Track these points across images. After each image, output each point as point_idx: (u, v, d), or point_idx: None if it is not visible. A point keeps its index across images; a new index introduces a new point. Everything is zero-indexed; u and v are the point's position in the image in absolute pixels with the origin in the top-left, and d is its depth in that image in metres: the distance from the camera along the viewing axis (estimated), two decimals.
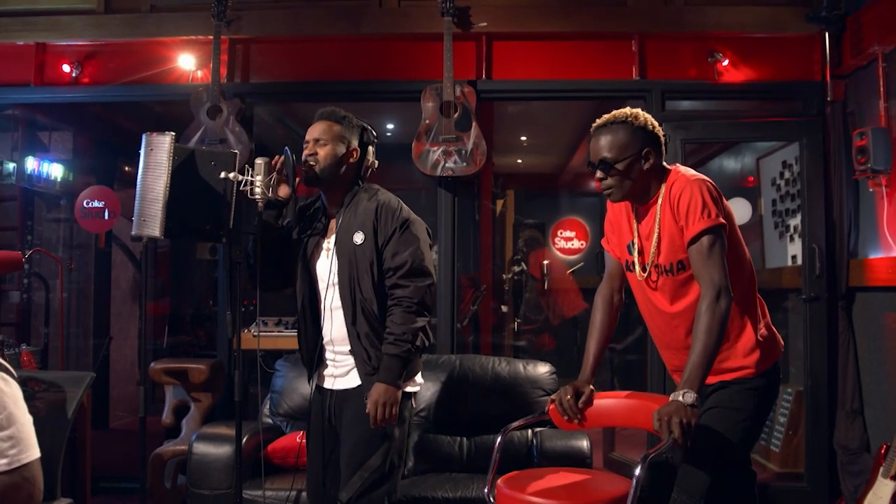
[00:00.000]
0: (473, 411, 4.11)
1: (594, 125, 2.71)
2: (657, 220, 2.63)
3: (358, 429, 2.86)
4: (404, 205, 3.02)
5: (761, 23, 4.87)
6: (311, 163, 2.95)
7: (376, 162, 3.10)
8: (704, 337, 2.41)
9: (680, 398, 2.36)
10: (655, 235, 2.62)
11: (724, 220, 2.53)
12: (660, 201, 2.63)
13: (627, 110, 2.67)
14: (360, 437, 2.86)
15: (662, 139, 2.70)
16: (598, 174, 2.66)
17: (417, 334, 2.85)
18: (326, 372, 3.04)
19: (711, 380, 2.61)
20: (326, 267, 2.99)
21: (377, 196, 2.99)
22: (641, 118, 2.65)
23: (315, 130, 2.99)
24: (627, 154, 2.61)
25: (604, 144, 2.64)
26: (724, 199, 2.61)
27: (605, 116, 2.69)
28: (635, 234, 2.72)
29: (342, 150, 2.97)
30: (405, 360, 2.82)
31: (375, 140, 3.10)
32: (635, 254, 2.71)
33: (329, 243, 3.01)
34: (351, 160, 3.00)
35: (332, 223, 3.04)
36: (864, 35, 4.51)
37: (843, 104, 4.76)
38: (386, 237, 2.90)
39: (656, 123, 2.69)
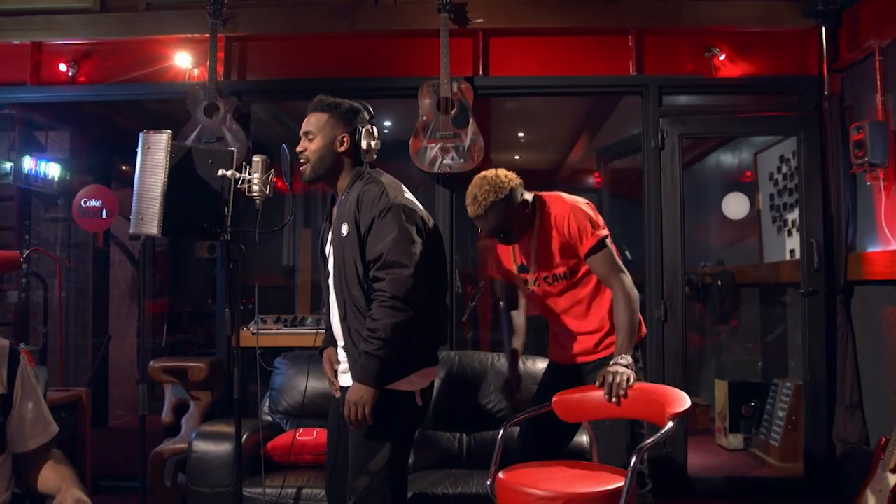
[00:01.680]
0: (473, 407, 4.11)
1: (475, 211, 3.01)
2: (543, 240, 3.10)
3: (360, 430, 2.77)
4: (394, 188, 2.83)
5: (758, 17, 4.88)
6: (302, 161, 2.87)
7: (377, 143, 2.94)
8: (627, 321, 2.95)
9: (622, 361, 2.88)
10: (536, 253, 3.12)
11: (607, 231, 3.07)
12: (538, 226, 3.10)
13: (487, 185, 3.01)
14: (362, 438, 2.78)
15: (519, 184, 3.09)
16: (502, 237, 3.10)
17: (398, 331, 2.64)
18: (339, 368, 2.97)
19: (596, 356, 3.16)
20: (330, 261, 2.92)
21: (366, 182, 2.82)
22: (505, 188, 3.02)
23: (305, 124, 2.88)
24: (513, 218, 3.04)
25: (493, 220, 3.01)
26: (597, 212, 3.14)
27: (478, 200, 3.00)
28: (517, 259, 3.22)
29: (330, 140, 2.85)
30: (381, 360, 2.64)
31: (372, 120, 2.96)
32: (531, 273, 3.17)
33: (330, 235, 2.93)
34: (341, 148, 2.86)
35: (333, 213, 2.96)
36: (861, 29, 4.51)
37: (840, 98, 4.76)
38: (367, 227, 2.72)
39: (506, 181, 3.04)
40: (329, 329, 3.02)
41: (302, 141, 2.88)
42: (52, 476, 2.35)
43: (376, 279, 2.69)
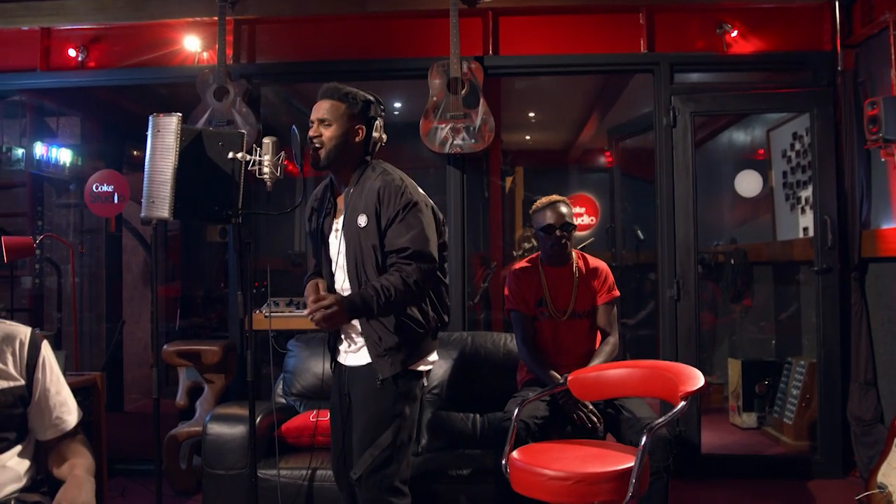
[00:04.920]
0: (486, 388, 4.11)
1: (547, 202, 3.74)
2: (575, 281, 3.74)
3: (368, 407, 2.85)
4: (411, 184, 2.92)
5: None
6: (317, 145, 2.88)
7: (385, 136, 3.01)
8: (607, 355, 3.68)
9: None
10: (574, 292, 3.74)
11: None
12: (575, 269, 3.77)
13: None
14: (371, 415, 2.85)
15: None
16: (558, 233, 3.67)
17: (399, 306, 2.79)
18: (341, 347, 3.04)
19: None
20: (336, 248, 2.96)
21: (383, 175, 2.88)
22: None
23: (319, 109, 2.90)
24: (573, 225, 3.73)
25: (565, 212, 3.69)
26: None
27: (552, 198, 3.75)
28: (545, 290, 3.75)
29: (347, 129, 2.89)
30: (366, 304, 2.71)
31: (383, 113, 3.02)
32: (548, 304, 3.73)
33: (338, 224, 2.97)
34: (357, 139, 2.92)
35: (340, 203, 2.99)
36: (875, 3, 4.47)
37: (853, 74, 4.71)
38: (389, 220, 2.81)
39: None
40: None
41: (315, 126, 2.90)
42: (65, 464, 2.38)
43: (400, 264, 2.79)
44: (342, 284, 2.95)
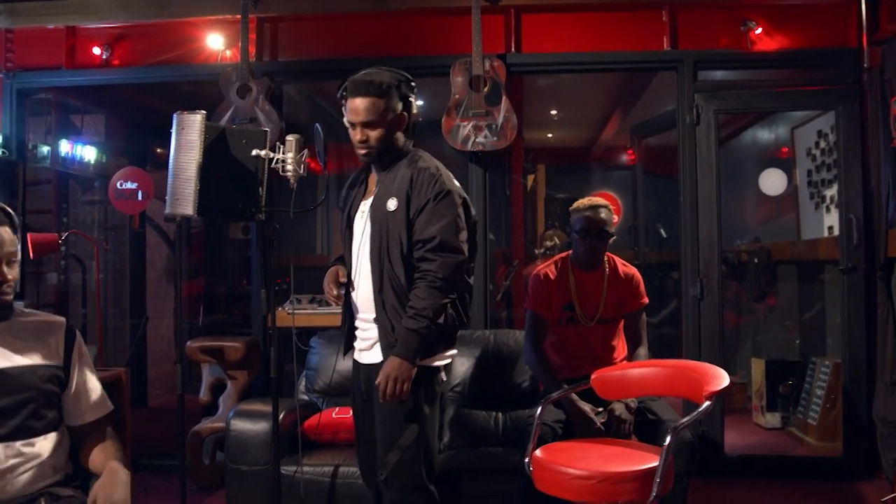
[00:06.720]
0: (508, 386, 4.11)
1: (588, 204, 3.58)
2: (613, 288, 3.62)
3: (388, 407, 2.77)
4: (447, 174, 2.86)
5: None
6: (364, 151, 2.83)
7: (419, 113, 2.95)
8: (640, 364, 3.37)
9: (632, 404, 3.35)
10: (604, 297, 3.60)
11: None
12: (606, 274, 3.62)
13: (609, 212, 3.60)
14: (391, 415, 2.79)
15: None
16: (594, 239, 3.53)
17: (440, 311, 2.72)
18: (356, 344, 3.01)
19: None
20: (360, 229, 2.91)
21: (419, 162, 2.84)
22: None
23: (358, 111, 2.79)
24: (611, 234, 3.56)
25: (605, 218, 3.53)
26: None
27: (594, 201, 3.61)
28: (574, 294, 3.60)
29: (391, 123, 2.82)
30: (424, 337, 2.69)
31: (414, 87, 2.91)
32: (577, 309, 3.59)
33: (365, 205, 2.91)
34: (401, 127, 2.87)
35: (372, 184, 2.95)
36: None
37: (880, 71, 4.64)
38: (419, 207, 2.75)
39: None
40: (347, 293, 3.00)
41: (359, 131, 2.82)
42: (99, 455, 2.40)
43: (425, 259, 2.74)
44: (360, 266, 2.90)
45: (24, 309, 2.48)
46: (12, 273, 2.29)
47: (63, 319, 2.48)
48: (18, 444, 2.26)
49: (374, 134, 2.81)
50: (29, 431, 2.29)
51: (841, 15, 4.80)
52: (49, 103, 5.94)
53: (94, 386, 2.49)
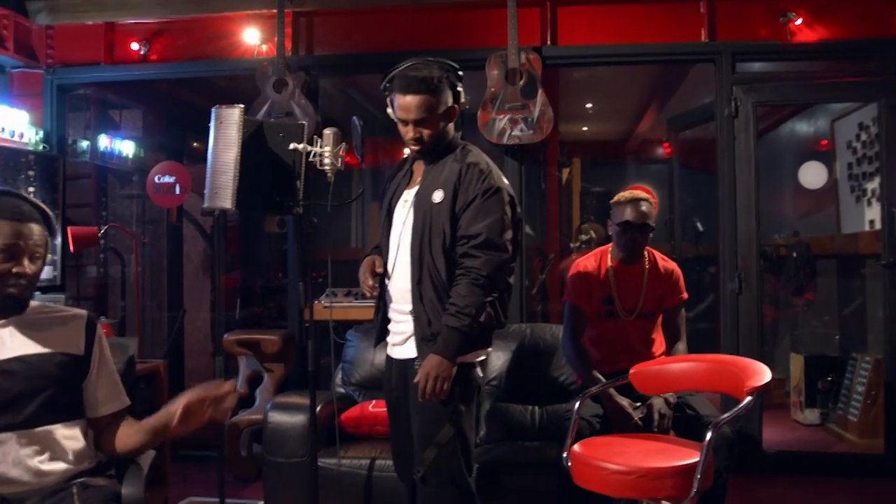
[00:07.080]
0: (545, 380, 4.09)
1: (630, 197, 3.52)
2: (653, 282, 3.57)
3: (425, 404, 2.72)
4: (496, 171, 2.82)
5: None
6: (419, 147, 2.80)
7: (468, 101, 2.91)
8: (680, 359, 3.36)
9: (671, 398, 3.31)
10: (643, 291, 3.55)
11: None
12: (646, 268, 3.57)
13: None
14: (428, 412, 2.74)
15: None
16: (638, 234, 3.48)
17: (482, 309, 2.65)
18: (389, 338, 2.97)
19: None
20: (401, 219, 2.87)
21: (468, 156, 2.80)
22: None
23: (411, 108, 2.74)
24: (652, 227, 3.52)
25: (646, 211, 3.47)
26: None
27: (636, 194, 3.54)
28: (613, 288, 3.56)
29: (443, 118, 2.79)
30: (465, 335, 2.64)
31: (461, 76, 2.87)
32: (616, 303, 3.54)
33: (409, 194, 2.87)
34: (452, 120, 2.85)
35: (417, 173, 2.93)
36: None
37: None
38: (466, 202, 2.71)
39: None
40: (382, 282, 2.95)
41: (411, 128, 2.78)
42: (129, 432, 2.43)
43: (469, 255, 2.69)
44: (398, 256, 2.85)
45: (45, 304, 2.45)
46: (32, 268, 2.26)
47: (84, 312, 2.47)
48: (37, 431, 2.24)
49: (427, 131, 2.78)
50: (46, 419, 2.27)
51: (883, 5, 4.71)
52: (88, 99, 6.01)
53: (112, 380, 2.49)
